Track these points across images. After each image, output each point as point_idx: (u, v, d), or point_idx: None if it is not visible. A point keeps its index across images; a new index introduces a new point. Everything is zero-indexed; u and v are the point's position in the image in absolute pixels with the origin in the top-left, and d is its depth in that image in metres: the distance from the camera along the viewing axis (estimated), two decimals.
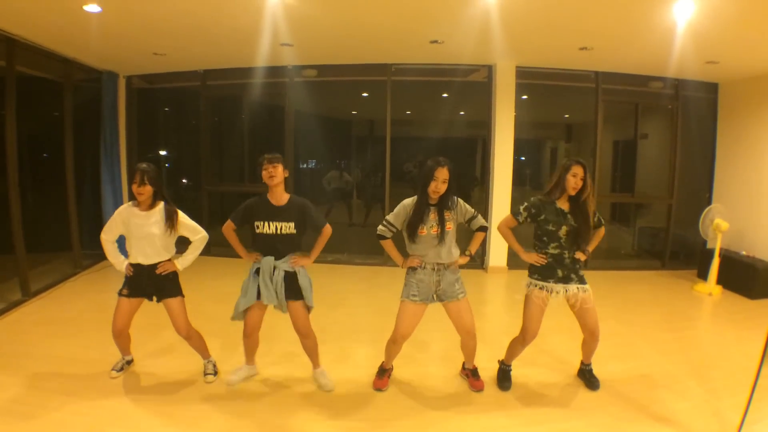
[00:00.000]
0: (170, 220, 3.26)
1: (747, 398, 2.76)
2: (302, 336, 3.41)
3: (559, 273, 3.33)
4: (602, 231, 3.50)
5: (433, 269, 3.24)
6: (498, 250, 6.81)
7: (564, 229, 3.25)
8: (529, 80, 6.84)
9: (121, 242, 3.37)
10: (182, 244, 3.50)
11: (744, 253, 6.25)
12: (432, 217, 3.18)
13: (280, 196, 3.29)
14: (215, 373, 3.60)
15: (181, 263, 3.41)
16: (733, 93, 6.84)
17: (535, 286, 3.37)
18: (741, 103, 6.67)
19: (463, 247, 3.36)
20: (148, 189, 3.18)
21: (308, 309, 3.41)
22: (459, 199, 3.30)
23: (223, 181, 8.43)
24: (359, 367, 3.85)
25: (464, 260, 3.32)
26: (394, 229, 3.28)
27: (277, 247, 3.29)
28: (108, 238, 3.33)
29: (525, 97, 7.57)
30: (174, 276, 3.44)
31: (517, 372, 3.72)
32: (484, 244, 6.98)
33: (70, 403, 3.18)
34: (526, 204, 3.34)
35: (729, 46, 5.17)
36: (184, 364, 3.78)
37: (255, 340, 3.51)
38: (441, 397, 3.43)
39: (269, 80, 7.18)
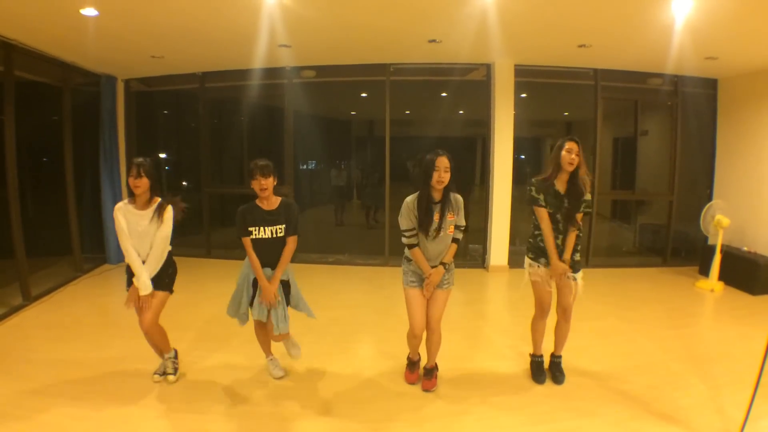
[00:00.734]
0: (159, 212, 3.29)
1: (750, 395, 2.75)
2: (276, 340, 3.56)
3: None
4: (579, 217, 3.38)
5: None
6: (499, 249, 6.79)
7: (561, 213, 3.33)
8: (528, 78, 6.83)
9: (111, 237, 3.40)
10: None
11: (745, 249, 6.24)
12: (435, 218, 3.18)
13: (270, 201, 3.36)
14: (175, 372, 3.55)
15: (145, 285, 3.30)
16: (733, 88, 6.82)
17: (530, 265, 3.51)
18: (740, 98, 6.66)
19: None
20: (144, 182, 3.21)
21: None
22: (461, 201, 3.31)
23: (223, 183, 8.42)
24: (363, 367, 3.85)
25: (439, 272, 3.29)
26: (415, 232, 3.23)
27: (273, 250, 3.34)
28: (129, 245, 3.28)
29: (524, 95, 7.56)
30: (173, 271, 3.48)
31: (514, 370, 3.72)
32: (484, 242, 6.98)
33: (70, 406, 3.17)
34: (532, 187, 3.38)
35: (728, 41, 5.15)
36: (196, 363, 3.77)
37: (265, 335, 3.61)
38: (444, 396, 3.42)
39: (268, 82, 7.18)
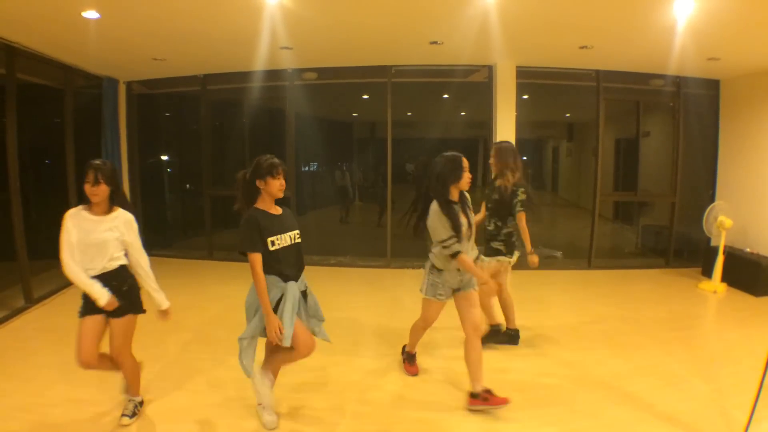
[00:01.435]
0: (122, 223, 2.85)
1: (754, 397, 2.73)
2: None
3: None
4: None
5: (458, 269, 3.23)
6: None
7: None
8: (530, 80, 6.83)
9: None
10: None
11: (748, 250, 6.22)
12: (463, 219, 3.18)
13: (273, 205, 2.98)
14: (132, 416, 3.02)
15: (161, 301, 3.04)
16: (735, 89, 6.81)
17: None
18: (743, 99, 6.64)
19: None
20: (103, 189, 2.75)
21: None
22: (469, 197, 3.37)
23: (225, 185, 8.42)
24: (365, 372, 3.85)
25: None
26: (456, 239, 3.11)
27: (296, 260, 3.01)
28: (73, 260, 2.77)
29: (526, 96, 7.55)
30: (137, 291, 2.96)
31: (519, 373, 3.71)
32: None
33: (74, 409, 3.17)
34: (521, 189, 3.92)
35: (730, 42, 5.15)
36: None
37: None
38: (445, 398, 3.41)
39: (269, 84, 7.19)
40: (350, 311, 5.21)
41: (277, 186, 2.87)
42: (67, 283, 6.10)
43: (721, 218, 5.98)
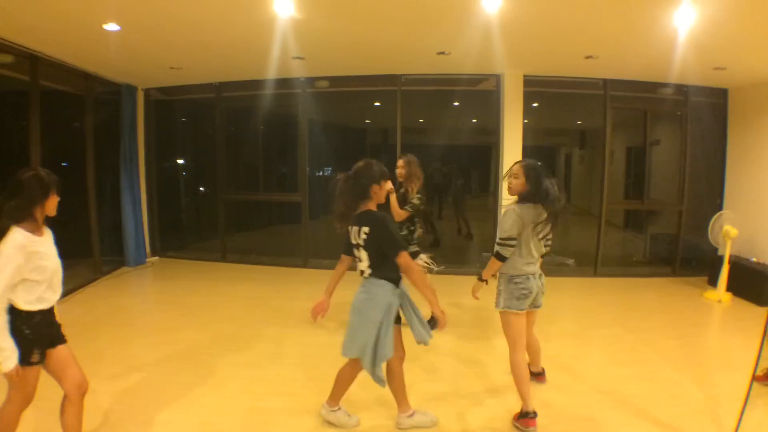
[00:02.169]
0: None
1: (741, 404, 2.81)
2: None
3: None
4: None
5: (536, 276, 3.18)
6: None
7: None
8: (538, 88, 6.92)
9: None
10: None
11: (754, 259, 6.22)
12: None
13: None
14: None
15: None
16: (743, 98, 6.82)
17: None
18: (751, 108, 6.65)
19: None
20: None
21: None
22: None
23: (239, 189, 8.62)
24: None
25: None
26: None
27: None
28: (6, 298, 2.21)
29: (536, 105, 7.63)
30: None
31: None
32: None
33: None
34: (418, 196, 4.43)
35: (735, 52, 5.19)
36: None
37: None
38: (444, 393, 3.52)
39: (282, 91, 7.37)
40: None
41: (385, 193, 2.90)
42: (84, 282, 6.34)
43: (727, 227, 6.00)
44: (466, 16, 4.28)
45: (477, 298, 3.35)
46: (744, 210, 6.43)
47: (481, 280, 3.28)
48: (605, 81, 6.81)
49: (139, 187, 7.52)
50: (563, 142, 15.52)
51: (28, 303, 2.27)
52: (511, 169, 3.12)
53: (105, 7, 4.05)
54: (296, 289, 6.35)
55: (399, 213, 4.26)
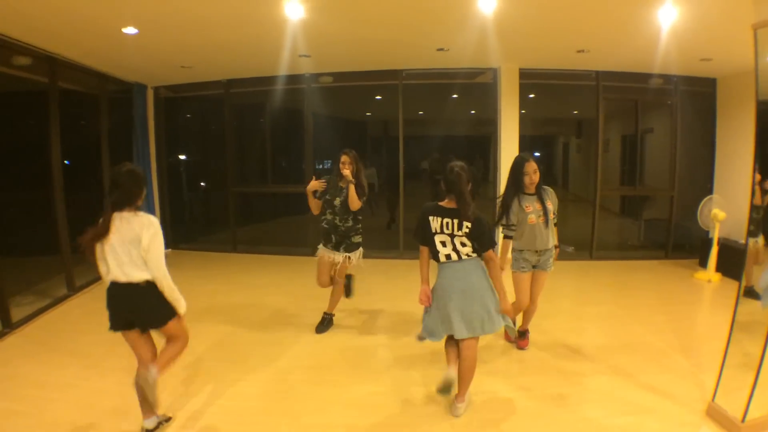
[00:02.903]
0: None
1: (718, 367, 3.11)
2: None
3: (333, 239, 4.41)
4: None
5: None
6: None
7: (338, 200, 4.33)
8: (534, 80, 7.20)
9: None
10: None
11: (742, 241, 6.51)
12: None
13: None
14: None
15: None
16: (731, 87, 7.10)
17: (319, 250, 4.51)
18: (738, 96, 6.92)
19: None
20: None
21: None
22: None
23: (246, 182, 8.89)
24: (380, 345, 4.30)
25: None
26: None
27: None
28: None
29: (532, 96, 7.90)
30: None
31: (502, 343, 4.15)
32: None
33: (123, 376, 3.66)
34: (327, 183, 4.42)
35: (719, 44, 5.47)
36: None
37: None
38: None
39: (288, 87, 7.65)
40: (371, 296, 5.63)
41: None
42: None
43: (715, 211, 6.30)
44: (464, 15, 4.56)
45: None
46: (733, 194, 6.71)
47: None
48: (597, 73, 7.09)
49: (151, 183, 7.80)
50: (561, 132, 15.80)
51: None
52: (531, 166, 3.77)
53: (125, 11, 4.31)
54: (308, 276, 6.59)
55: (357, 203, 4.30)
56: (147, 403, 2.88)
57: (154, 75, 7.24)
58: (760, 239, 4.73)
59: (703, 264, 6.70)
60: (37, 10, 4.15)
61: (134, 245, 2.70)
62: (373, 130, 14.99)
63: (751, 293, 3.63)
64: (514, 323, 3.54)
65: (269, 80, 7.47)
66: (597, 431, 2.99)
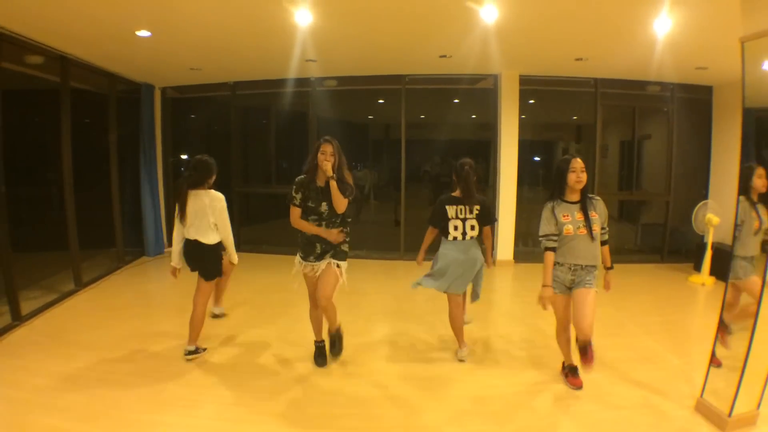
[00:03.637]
0: None
1: (707, 364, 3.25)
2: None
3: (318, 249, 3.68)
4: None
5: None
6: (505, 244, 7.31)
7: (324, 204, 3.61)
8: (534, 86, 7.36)
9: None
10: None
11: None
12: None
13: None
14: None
15: None
16: (726, 95, 7.26)
17: (300, 263, 3.78)
18: (733, 104, 7.05)
19: None
20: None
21: None
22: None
23: (250, 183, 9.00)
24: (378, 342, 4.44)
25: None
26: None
27: None
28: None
29: (532, 101, 8.03)
30: None
31: (509, 340, 4.25)
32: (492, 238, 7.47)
33: (136, 368, 3.80)
34: (294, 186, 3.63)
35: (714, 54, 5.63)
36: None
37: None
38: (449, 361, 3.97)
39: (293, 90, 7.79)
40: (370, 294, 5.78)
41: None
42: (108, 271, 6.74)
43: (709, 216, 6.44)
44: (466, 24, 4.72)
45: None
46: (728, 199, 6.84)
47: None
48: (596, 80, 7.25)
49: (157, 181, 7.94)
50: (561, 137, 15.90)
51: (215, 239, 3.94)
52: (577, 162, 3.35)
53: (139, 15, 4.45)
54: None
55: (343, 202, 3.58)
56: (195, 333, 3.96)
57: (163, 76, 7.38)
58: None
59: (698, 268, 6.84)
60: (56, 13, 4.30)
61: (203, 215, 3.83)
62: (375, 133, 15.10)
63: None
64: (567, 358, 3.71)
65: (275, 83, 7.62)
66: (590, 424, 3.12)
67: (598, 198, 3.48)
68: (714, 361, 3.27)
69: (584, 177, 3.33)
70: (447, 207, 3.82)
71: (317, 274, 3.69)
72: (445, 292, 3.95)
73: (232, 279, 5.07)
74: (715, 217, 6.39)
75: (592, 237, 3.34)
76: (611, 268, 3.63)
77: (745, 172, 3.55)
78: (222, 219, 3.89)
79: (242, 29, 4.89)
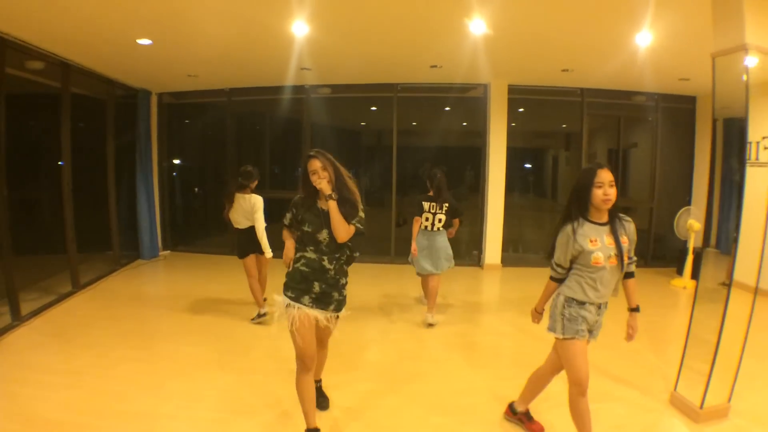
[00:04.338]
0: None
1: (679, 358, 3.44)
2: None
3: (316, 288, 2.75)
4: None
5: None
6: (493, 249, 7.51)
7: (325, 232, 2.72)
8: (522, 96, 7.57)
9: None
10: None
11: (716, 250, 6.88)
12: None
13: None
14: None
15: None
16: (709, 105, 7.42)
17: (288, 305, 2.74)
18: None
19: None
20: None
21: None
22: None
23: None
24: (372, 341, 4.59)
25: None
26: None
27: None
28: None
29: (521, 110, 8.23)
30: None
31: (493, 338, 4.43)
32: (480, 243, 7.67)
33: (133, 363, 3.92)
34: (290, 205, 2.90)
35: (694, 66, 5.84)
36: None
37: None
38: (438, 358, 4.12)
39: (288, 96, 7.95)
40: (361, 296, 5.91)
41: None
42: (104, 273, 6.84)
43: (691, 221, 6.66)
44: (456, 36, 4.92)
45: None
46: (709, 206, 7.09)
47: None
48: (582, 90, 7.48)
49: (152, 186, 8.06)
50: (550, 144, 16.13)
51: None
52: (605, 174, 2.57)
53: (140, 24, 4.60)
54: None
55: (347, 230, 2.72)
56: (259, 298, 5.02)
57: (160, 82, 7.53)
58: None
59: (680, 272, 7.04)
60: (58, 20, 4.42)
61: (246, 213, 4.86)
62: (367, 140, 15.26)
63: None
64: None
65: (270, 90, 7.79)
66: (567, 416, 3.26)
67: (629, 219, 2.76)
68: None
69: (613, 193, 2.55)
70: (423, 203, 4.89)
71: (312, 323, 2.74)
72: (417, 275, 5.15)
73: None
74: (697, 223, 6.61)
75: (622, 268, 2.70)
76: (636, 309, 2.99)
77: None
78: (257, 218, 4.82)
79: (241, 39, 5.06)
